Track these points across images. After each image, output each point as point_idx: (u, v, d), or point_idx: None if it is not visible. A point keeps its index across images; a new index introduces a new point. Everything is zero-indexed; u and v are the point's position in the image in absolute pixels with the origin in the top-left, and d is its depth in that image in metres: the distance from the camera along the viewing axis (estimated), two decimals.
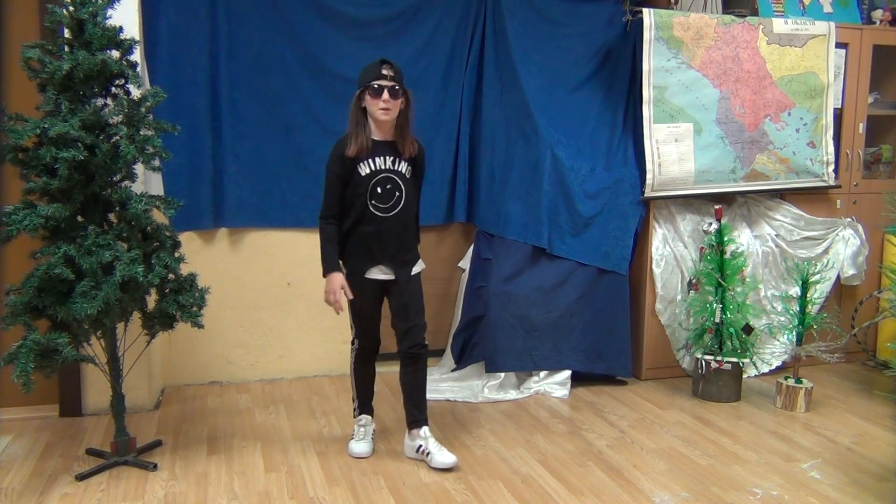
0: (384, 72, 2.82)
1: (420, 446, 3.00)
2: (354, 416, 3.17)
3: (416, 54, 3.96)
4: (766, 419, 3.59)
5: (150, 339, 3.10)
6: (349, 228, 2.94)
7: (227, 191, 3.84)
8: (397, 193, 2.92)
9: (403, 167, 2.94)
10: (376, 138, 2.92)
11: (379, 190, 2.90)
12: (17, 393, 2.68)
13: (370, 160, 2.89)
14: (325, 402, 3.73)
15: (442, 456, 2.95)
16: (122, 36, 2.82)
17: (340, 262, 2.99)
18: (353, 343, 3.12)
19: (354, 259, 2.97)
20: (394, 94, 2.83)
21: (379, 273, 2.97)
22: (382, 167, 2.90)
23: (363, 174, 2.89)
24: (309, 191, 3.94)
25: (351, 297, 2.96)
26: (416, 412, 3.03)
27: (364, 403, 3.17)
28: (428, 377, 3.11)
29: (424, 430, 3.01)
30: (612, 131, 4.05)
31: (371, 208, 2.90)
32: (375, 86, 2.81)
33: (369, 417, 3.17)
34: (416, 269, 3.04)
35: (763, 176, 4.09)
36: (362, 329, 3.07)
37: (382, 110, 2.83)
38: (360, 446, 3.10)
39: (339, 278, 2.94)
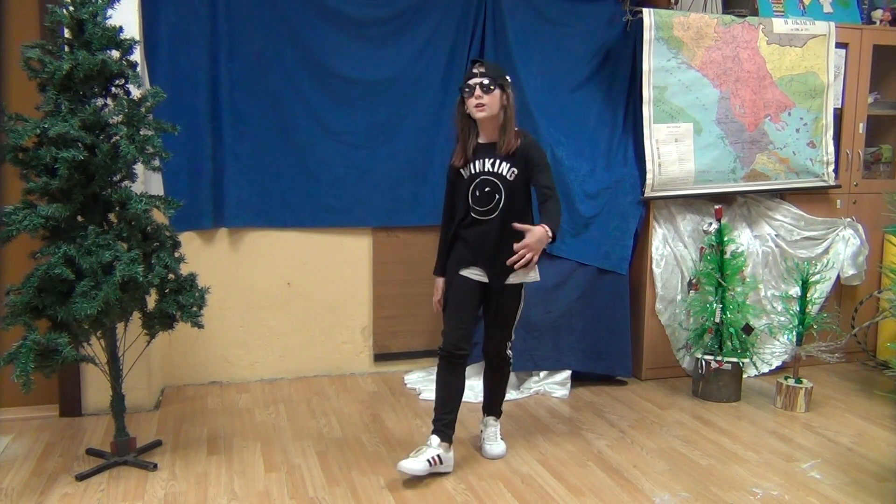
0: (475, 70, 2.82)
1: (481, 430, 3.16)
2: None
3: (416, 54, 3.96)
4: (766, 419, 3.58)
5: (150, 339, 3.10)
6: (456, 228, 2.95)
7: (227, 191, 3.84)
8: (497, 196, 2.85)
9: (504, 168, 2.85)
10: (482, 141, 2.90)
11: (478, 193, 2.87)
12: (17, 393, 2.68)
13: (472, 164, 2.89)
14: (325, 402, 3.73)
15: (490, 447, 3.10)
16: (122, 36, 2.82)
17: None
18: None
19: (455, 256, 2.96)
20: (485, 88, 2.78)
21: (474, 273, 2.91)
22: (482, 170, 2.87)
23: (465, 177, 2.91)
24: (309, 191, 3.95)
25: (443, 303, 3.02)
26: (486, 401, 3.18)
27: (438, 419, 2.90)
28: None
29: (487, 419, 3.14)
30: (612, 131, 4.05)
31: (472, 211, 2.89)
32: (467, 87, 2.81)
33: (437, 439, 2.87)
34: (513, 279, 2.91)
35: (763, 176, 4.09)
36: (446, 327, 2.93)
37: (476, 107, 2.80)
38: (407, 462, 2.80)
39: (437, 282, 3.03)
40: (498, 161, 2.86)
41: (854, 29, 4.28)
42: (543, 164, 2.88)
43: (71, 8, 2.74)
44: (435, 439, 2.88)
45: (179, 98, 3.62)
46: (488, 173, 2.86)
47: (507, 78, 2.88)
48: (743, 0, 4.13)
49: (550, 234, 2.74)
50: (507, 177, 2.85)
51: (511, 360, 3.13)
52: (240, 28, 3.75)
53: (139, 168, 2.97)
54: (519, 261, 2.70)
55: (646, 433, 3.38)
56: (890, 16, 4.42)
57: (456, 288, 2.93)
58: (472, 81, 2.81)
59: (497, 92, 2.81)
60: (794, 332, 3.77)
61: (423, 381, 3.94)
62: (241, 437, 3.28)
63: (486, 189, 2.86)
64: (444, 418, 2.90)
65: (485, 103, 2.79)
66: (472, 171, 2.89)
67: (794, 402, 3.68)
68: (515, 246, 2.70)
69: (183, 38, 3.67)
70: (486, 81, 2.78)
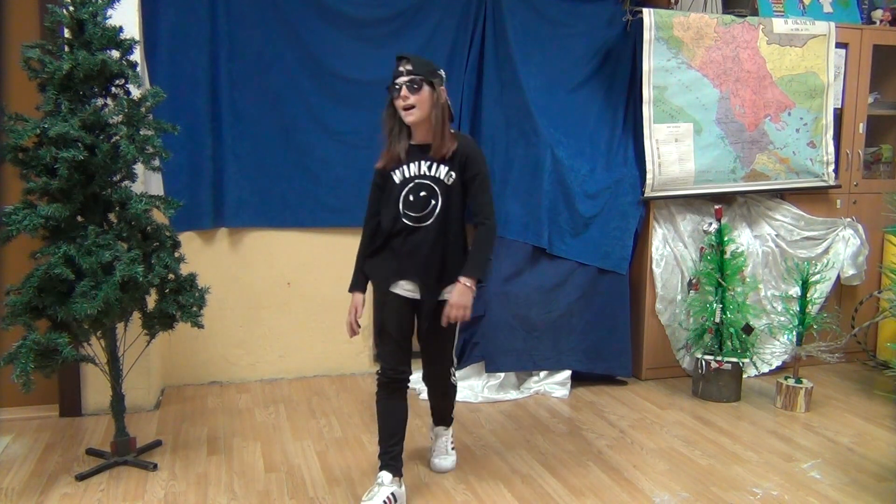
0: (400, 68, 2.57)
1: (431, 439, 3.03)
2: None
3: (416, 54, 3.95)
4: (766, 419, 3.58)
5: (150, 340, 3.10)
6: (382, 237, 2.66)
7: (227, 191, 3.84)
8: (433, 202, 2.59)
9: (442, 172, 2.60)
10: (414, 142, 2.65)
11: (411, 198, 2.60)
12: (17, 393, 2.68)
13: (405, 166, 2.62)
14: (325, 402, 3.73)
15: (439, 460, 2.97)
16: (122, 36, 2.82)
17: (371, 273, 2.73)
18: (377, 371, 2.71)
19: (381, 269, 2.67)
20: (412, 88, 2.53)
21: (405, 289, 2.65)
22: (417, 173, 2.61)
23: (397, 181, 2.63)
24: (309, 191, 3.95)
25: (360, 326, 2.73)
26: (434, 415, 3.01)
27: (385, 452, 2.65)
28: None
29: (438, 428, 3.00)
30: (612, 131, 4.05)
31: (403, 217, 2.61)
32: (394, 86, 2.57)
33: (389, 476, 2.62)
34: (448, 296, 2.61)
35: (763, 176, 4.09)
36: (382, 350, 2.71)
37: (404, 110, 2.56)
38: None
39: (355, 299, 2.71)
40: (435, 164, 2.61)
41: (854, 29, 4.28)
42: (483, 174, 2.63)
43: (71, 8, 2.74)
44: (386, 476, 2.62)
45: (179, 98, 3.62)
46: (424, 176, 2.60)
47: (441, 73, 2.62)
48: (743, 0, 4.13)
49: (470, 284, 2.56)
50: (445, 181, 2.61)
51: (456, 385, 2.93)
52: (240, 28, 3.75)
53: (139, 168, 2.97)
54: (452, 320, 2.58)
55: (646, 433, 3.38)
56: (890, 16, 4.42)
57: (388, 307, 2.65)
58: (398, 81, 2.55)
59: (426, 90, 2.54)
60: (794, 332, 3.77)
61: (423, 381, 3.93)
62: (241, 437, 3.28)
63: (422, 193, 2.59)
64: (392, 451, 2.65)
65: (413, 104, 2.54)
66: (406, 175, 2.62)
67: (794, 402, 3.68)
68: (444, 314, 2.56)
69: (183, 38, 3.67)
70: (413, 79, 2.53)
